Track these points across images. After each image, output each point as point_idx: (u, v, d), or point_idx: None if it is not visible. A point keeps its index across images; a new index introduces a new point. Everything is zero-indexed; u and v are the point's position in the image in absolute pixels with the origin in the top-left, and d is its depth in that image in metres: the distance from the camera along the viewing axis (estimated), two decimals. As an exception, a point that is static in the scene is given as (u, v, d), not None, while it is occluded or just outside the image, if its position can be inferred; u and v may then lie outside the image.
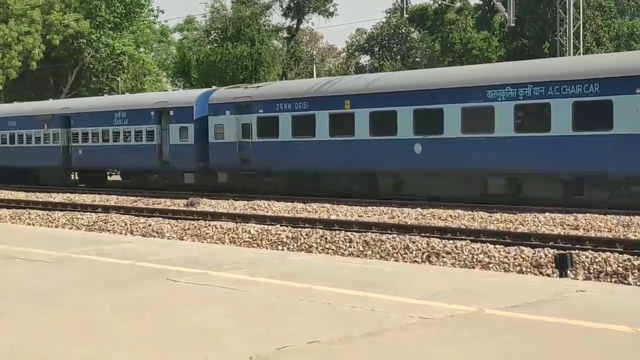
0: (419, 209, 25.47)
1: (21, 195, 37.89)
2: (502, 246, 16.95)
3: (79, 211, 28.78)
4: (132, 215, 26.53)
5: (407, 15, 59.39)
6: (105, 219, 25.39)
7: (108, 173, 47.65)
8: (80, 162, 43.56)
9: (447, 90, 28.23)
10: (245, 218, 24.27)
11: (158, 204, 31.67)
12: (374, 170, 30.58)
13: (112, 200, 34.06)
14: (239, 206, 29.17)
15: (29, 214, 28.24)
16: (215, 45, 68.98)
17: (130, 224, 24.02)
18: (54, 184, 42.55)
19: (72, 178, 45.61)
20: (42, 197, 36.69)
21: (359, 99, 30.75)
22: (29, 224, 25.94)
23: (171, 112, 38.08)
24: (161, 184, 38.86)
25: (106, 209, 29.13)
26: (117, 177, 47.71)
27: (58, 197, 36.26)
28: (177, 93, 42.22)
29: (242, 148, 34.62)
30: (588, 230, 20.13)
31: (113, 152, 41.16)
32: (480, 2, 68.18)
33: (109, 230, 23.58)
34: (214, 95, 36.76)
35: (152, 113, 39.05)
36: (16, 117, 47.59)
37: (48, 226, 25.18)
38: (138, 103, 41.20)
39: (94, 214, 27.43)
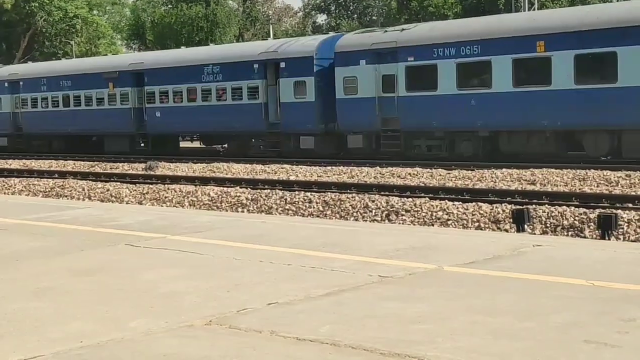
0: (377, 167, 25.53)
1: (-24, 163, 37.35)
2: (460, 203, 17.06)
3: (35, 177, 28.45)
4: (89, 180, 26.31)
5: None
6: (62, 185, 25.15)
7: (191, 138, 42.01)
8: (158, 126, 37.15)
9: None
10: (204, 181, 24.17)
11: (116, 168, 31.42)
12: (579, 128, 25.12)
13: (69, 165, 33.74)
14: (198, 169, 29.04)
15: (-16, 181, 27.88)
16: (169, 6, 68.31)
17: (88, 190, 23.82)
18: (122, 153, 37.38)
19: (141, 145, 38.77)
20: (-2, 164, 36.22)
21: (559, 39, 24.95)
22: (-15, 192, 25.63)
23: (282, 64, 32.17)
24: (267, 150, 33.14)
25: (63, 174, 28.82)
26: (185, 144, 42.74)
27: (14, 164, 35.81)
28: (290, 41, 35.31)
29: (384, 105, 28.97)
30: (545, 185, 20.33)
31: (202, 113, 35.04)
32: (436, -41, 67.89)
33: (66, 196, 23.37)
34: (343, 42, 30.87)
35: (256, 66, 32.99)
36: (70, 75, 41.10)
37: (4, 193, 24.89)
38: (236, 54, 34.82)
39: (50, 180, 27.14)
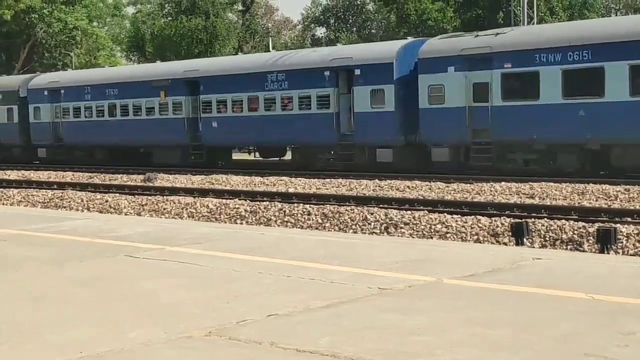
0: (376, 180, 25.56)
1: (-25, 173, 37.33)
2: (459, 216, 17.06)
3: (34, 188, 28.45)
4: (88, 191, 26.29)
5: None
6: (61, 196, 25.14)
7: (248, 150, 39.78)
8: (214, 137, 34.97)
9: None
10: (203, 192, 24.18)
11: (115, 179, 31.43)
12: None
13: (68, 176, 33.74)
14: (197, 181, 29.05)
15: (-17, 192, 27.86)
16: (169, 18, 68.46)
17: (87, 201, 23.82)
18: (174, 165, 34.97)
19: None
20: (-4, 174, 36.20)
21: None
22: (-16, 202, 25.62)
23: (357, 71, 30.10)
24: (338, 163, 30.98)
25: (62, 185, 28.84)
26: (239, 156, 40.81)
27: (13, 175, 35.81)
28: (366, 46, 33.74)
29: (475, 115, 26.85)
30: (544, 199, 20.36)
31: (264, 124, 32.85)
32: (435, -27, 68.08)
33: (65, 207, 23.35)
34: (427, 47, 28.68)
35: (327, 73, 30.97)
36: (117, 83, 38.98)
37: (3, 204, 24.89)
38: (304, 61, 32.49)
39: (49, 190, 27.13)
